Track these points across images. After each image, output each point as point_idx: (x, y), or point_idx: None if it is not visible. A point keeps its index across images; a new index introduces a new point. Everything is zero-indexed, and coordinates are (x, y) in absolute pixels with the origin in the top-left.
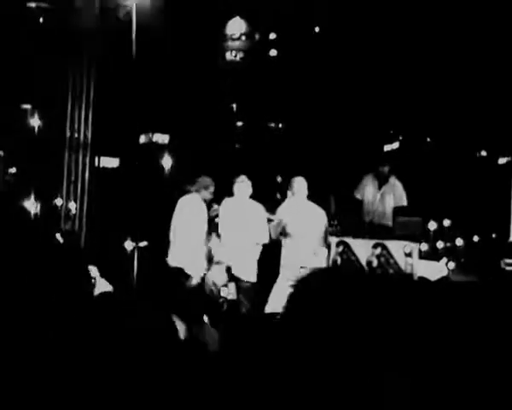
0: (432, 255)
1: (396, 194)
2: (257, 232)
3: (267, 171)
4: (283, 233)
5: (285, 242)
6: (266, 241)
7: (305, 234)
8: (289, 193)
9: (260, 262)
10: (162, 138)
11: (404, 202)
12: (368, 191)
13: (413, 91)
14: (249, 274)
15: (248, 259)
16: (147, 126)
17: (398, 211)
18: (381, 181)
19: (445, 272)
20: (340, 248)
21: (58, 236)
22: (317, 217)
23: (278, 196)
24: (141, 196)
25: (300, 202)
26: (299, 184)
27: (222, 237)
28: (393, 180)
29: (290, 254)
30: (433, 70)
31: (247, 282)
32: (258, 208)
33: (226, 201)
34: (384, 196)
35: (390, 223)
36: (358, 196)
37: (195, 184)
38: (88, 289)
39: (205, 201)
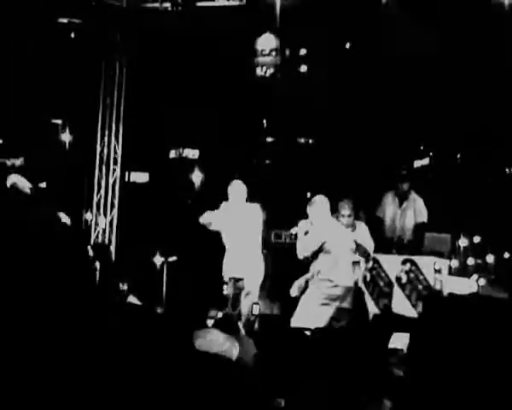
0: (462, 272)
1: (416, 210)
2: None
3: (297, 186)
4: (321, 250)
5: (321, 259)
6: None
7: (344, 252)
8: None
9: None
10: (192, 153)
11: (425, 218)
12: (389, 209)
13: (444, 107)
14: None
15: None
16: (177, 141)
17: (420, 227)
18: (402, 198)
19: (475, 289)
20: (370, 264)
21: (89, 249)
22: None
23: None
24: (170, 210)
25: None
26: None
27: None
28: (413, 196)
29: (327, 272)
30: (463, 86)
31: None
32: (256, 210)
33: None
34: (405, 213)
35: (411, 238)
36: (380, 215)
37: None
38: (115, 300)
39: None
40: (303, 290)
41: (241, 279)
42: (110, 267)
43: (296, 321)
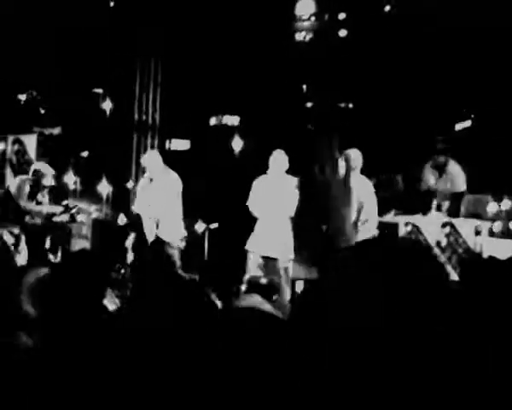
0: (506, 235)
1: (454, 182)
2: (287, 206)
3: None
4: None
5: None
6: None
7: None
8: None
9: None
10: (232, 120)
11: (462, 188)
12: (429, 182)
13: (485, 68)
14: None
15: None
16: (217, 108)
17: (459, 196)
18: (440, 169)
19: None
20: (409, 228)
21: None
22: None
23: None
24: (211, 178)
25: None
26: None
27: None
28: (452, 167)
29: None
30: (504, 44)
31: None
32: (292, 182)
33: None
34: (444, 184)
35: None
36: (424, 188)
37: None
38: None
39: None
40: None
41: (271, 259)
42: (144, 237)
43: None
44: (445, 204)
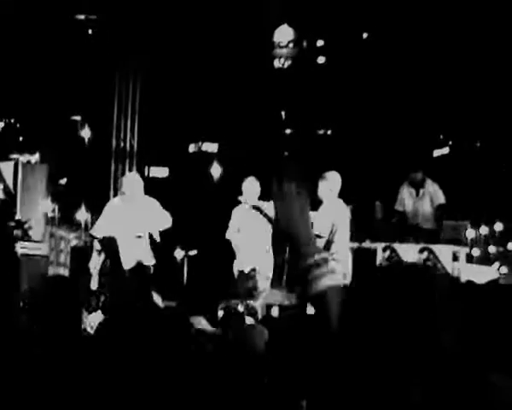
0: (483, 260)
1: (433, 194)
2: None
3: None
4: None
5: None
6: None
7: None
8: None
9: None
10: (211, 147)
11: (442, 200)
12: (407, 201)
13: (463, 96)
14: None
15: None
16: (196, 135)
17: (440, 211)
18: (417, 187)
19: (496, 277)
20: (387, 253)
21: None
22: None
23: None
24: (190, 205)
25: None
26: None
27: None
28: (429, 183)
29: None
30: (483, 74)
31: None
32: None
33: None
34: (423, 201)
35: (431, 226)
36: (399, 208)
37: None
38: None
39: None
40: None
41: (252, 271)
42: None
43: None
44: (427, 223)
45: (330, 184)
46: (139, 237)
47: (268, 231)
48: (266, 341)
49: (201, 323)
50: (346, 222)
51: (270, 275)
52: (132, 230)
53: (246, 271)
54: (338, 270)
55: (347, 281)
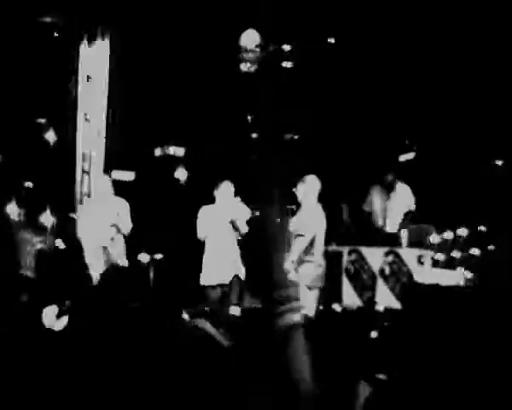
0: (448, 265)
1: (404, 200)
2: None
3: (283, 182)
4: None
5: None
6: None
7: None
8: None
9: None
10: (178, 151)
11: (412, 207)
12: (377, 202)
13: (429, 102)
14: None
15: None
16: (162, 139)
17: (408, 217)
18: (388, 190)
19: (461, 281)
20: (353, 257)
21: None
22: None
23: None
24: (156, 208)
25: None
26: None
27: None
28: (400, 186)
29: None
30: (449, 81)
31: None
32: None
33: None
34: (392, 205)
35: (398, 230)
36: (367, 209)
37: None
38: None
39: None
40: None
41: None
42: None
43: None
44: (395, 227)
45: (309, 187)
46: (112, 239)
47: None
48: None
49: (206, 326)
50: (323, 226)
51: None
52: (105, 230)
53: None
54: (317, 273)
55: (323, 284)
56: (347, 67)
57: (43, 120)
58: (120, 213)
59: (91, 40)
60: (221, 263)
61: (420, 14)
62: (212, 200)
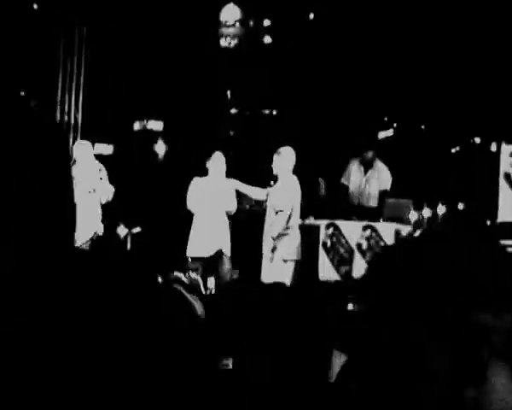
0: None
1: (381, 178)
2: (227, 204)
3: (261, 157)
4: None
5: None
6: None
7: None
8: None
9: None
10: (156, 125)
11: (388, 187)
12: (354, 177)
13: (407, 79)
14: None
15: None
16: (141, 113)
17: (384, 194)
18: (367, 166)
19: None
20: (330, 231)
21: None
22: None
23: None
24: (135, 182)
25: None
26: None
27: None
28: (379, 164)
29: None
30: (427, 58)
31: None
32: (230, 183)
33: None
34: (369, 181)
35: (376, 205)
36: (345, 183)
37: None
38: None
39: None
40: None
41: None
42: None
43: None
44: (370, 203)
45: (285, 159)
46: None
47: (230, 205)
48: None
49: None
50: (299, 198)
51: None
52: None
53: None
54: (294, 246)
55: (299, 257)
56: (326, 44)
57: (21, 92)
58: (102, 177)
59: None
60: (207, 236)
61: None
62: (190, 175)
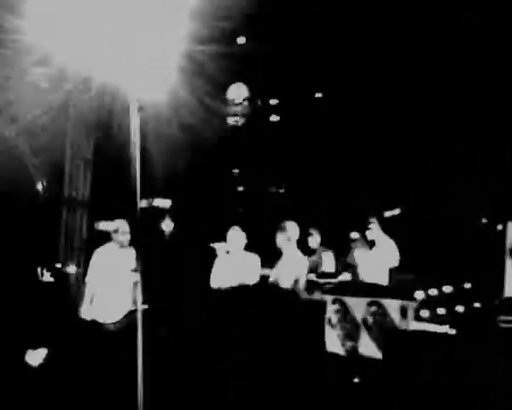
0: (433, 321)
1: (387, 254)
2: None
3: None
4: None
5: None
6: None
7: None
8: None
9: None
10: (163, 203)
11: (396, 262)
12: (359, 255)
13: (415, 157)
14: None
15: None
16: (147, 191)
17: (390, 270)
18: (372, 242)
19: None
20: (336, 306)
21: None
22: None
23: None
24: (141, 260)
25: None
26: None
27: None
28: (384, 240)
29: None
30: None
31: None
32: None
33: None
34: (376, 258)
35: (381, 281)
36: (351, 261)
37: None
38: None
39: None
40: None
41: None
42: None
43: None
44: (377, 279)
45: (289, 233)
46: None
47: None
48: None
49: None
50: (304, 273)
51: None
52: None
53: None
54: None
55: None
56: (335, 121)
57: None
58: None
59: None
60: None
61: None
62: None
